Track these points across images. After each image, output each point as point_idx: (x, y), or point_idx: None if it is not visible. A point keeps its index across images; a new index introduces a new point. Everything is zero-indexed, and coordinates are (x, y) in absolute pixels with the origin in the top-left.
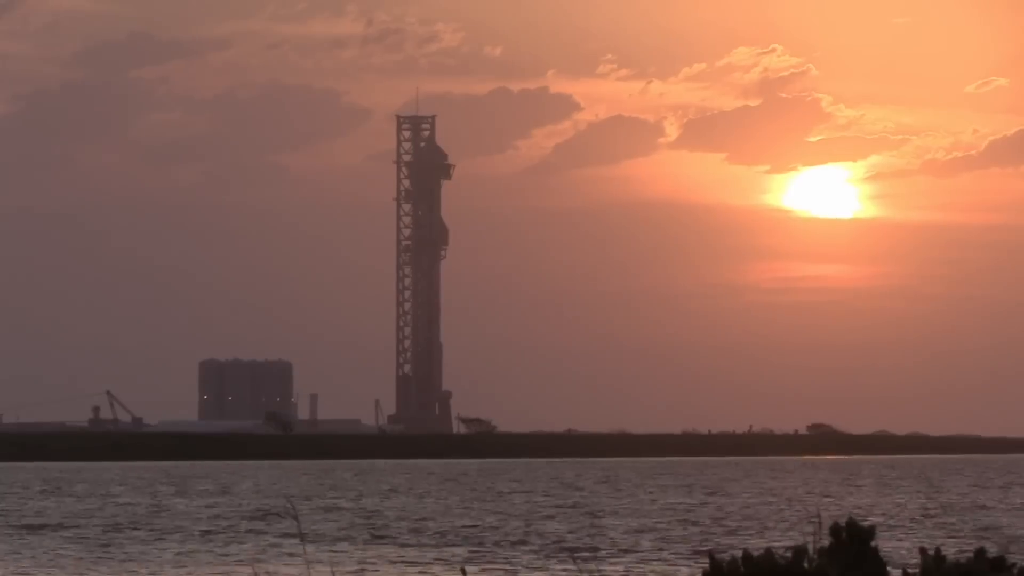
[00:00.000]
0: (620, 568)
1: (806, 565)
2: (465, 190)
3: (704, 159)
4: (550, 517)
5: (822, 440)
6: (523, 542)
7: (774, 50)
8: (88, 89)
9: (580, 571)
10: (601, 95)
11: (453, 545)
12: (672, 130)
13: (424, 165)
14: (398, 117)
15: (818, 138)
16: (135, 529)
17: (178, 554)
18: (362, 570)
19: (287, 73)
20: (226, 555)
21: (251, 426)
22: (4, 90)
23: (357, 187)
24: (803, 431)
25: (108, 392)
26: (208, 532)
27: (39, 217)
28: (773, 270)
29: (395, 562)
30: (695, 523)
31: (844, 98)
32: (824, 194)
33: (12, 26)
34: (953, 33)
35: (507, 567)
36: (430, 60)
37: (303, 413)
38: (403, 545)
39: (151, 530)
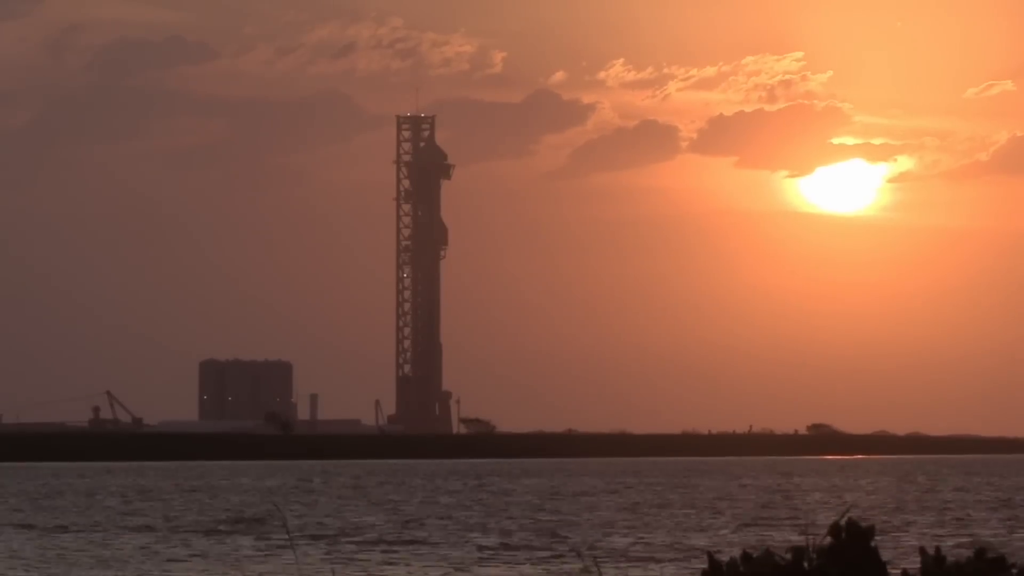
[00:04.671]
0: (621, 568)
1: (806, 565)
2: (469, 193)
3: (714, 163)
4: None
5: (822, 440)
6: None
7: (788, 55)
8: (101, 93)
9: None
10: (611, 99)
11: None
12: (685, 134)
13: (424, 165)
14: (398, 117)
15: (831, 143)
16: (127, 529)
17: (167, 557)
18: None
19: (297, 77)
20: (214, 556)
21: (251, 426)
22: (21, 94)
23: (357, 188)
24: (803, 431)
25: (108, 392)
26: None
27: (40, 218)
28: (776, 272)
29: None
30: None
31: (859, 103)
32: (832, 198)
33: (29, 31)
34: (960, 36)
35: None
36: (442, 65)
37: (303, 413)
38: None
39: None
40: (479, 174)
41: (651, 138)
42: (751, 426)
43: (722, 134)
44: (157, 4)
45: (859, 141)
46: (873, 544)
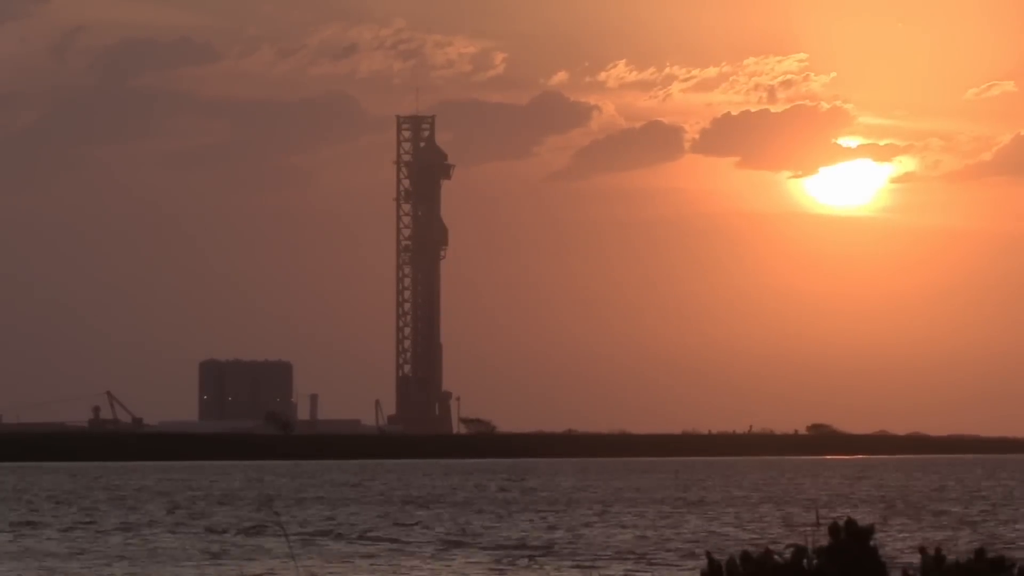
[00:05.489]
0: (620, 568)
1: (805, 565)
2: (469, 193)
3: (717, 164)
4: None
5: (822, 440)
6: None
7: (792, 56)
8: (104, 94)
9: (582, 571)
10: (613, 100)
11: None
12: (688, 135)
13: (424, 165)
14: (398, 118)
15: (835, 143)
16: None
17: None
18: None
19: (300, 79)
20: (214, 555)
21: (251, 426)
22: (25, 95)
23: (359, 189)
24: (803, 431)
25: (108, 392)
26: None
27: (42, 218)
28: (777, 272)
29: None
30: None
31: (863, 104)
32: (835, 199)
33: (33, 32)
34: (964, 37)
35: (502, 568)
36: (444, 66)
37: (303, 413)
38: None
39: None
40: (480, 175)
41: (653, 139)
42: (751, 426)
43: (725, 135)
44: (160, 5)
45: (863, 142)
46: (872, 543)
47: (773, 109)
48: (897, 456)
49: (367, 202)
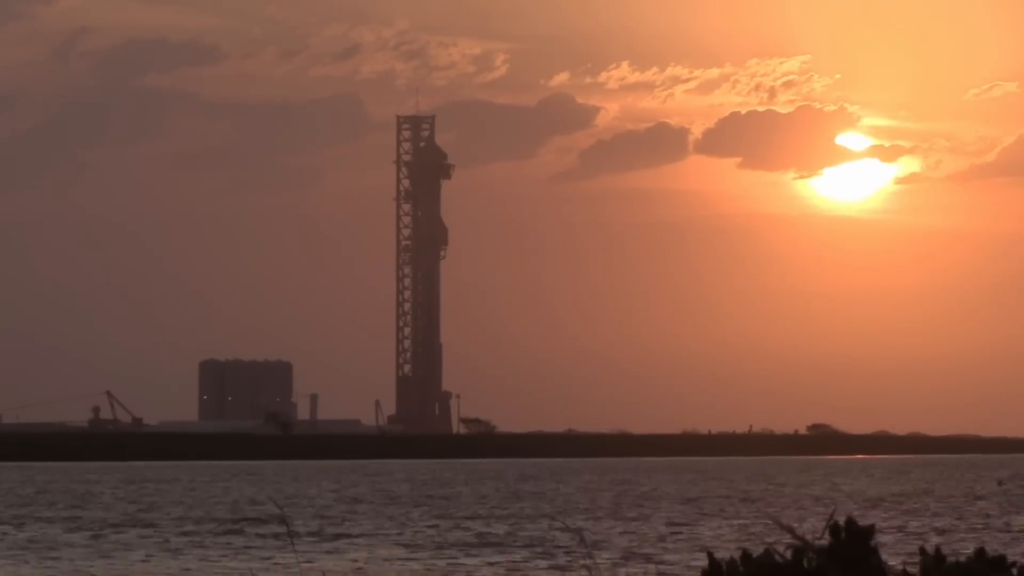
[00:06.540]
0: (619, 567)
1: (805, 565)
2: (469, 193)
3: (719, 165)
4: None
5: (822, 440)
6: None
7: (795, 57)
8: (107, 96)
9: (580, 568)
10: (615, 101)
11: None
12: (691, 136)
13: (424, 165)
14: (398, 117)
15: (838, 144)
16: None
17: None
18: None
19: (303, 80)
20: (217, 555)
21: (251, 426)
22: (28, 96)
23: (361, 189)
24: (803, 431)
25: (108, 392)
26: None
27: (43, 218)
28: (777, 272)
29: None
30: None
31: (867, 105)
32: (838, 199)
33: (36, 33)
34: (967, 38)
35: (505, 564)
36: (447, 67)
37: (303, 413)
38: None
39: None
40: (483, 175)
41: (655, 140)
42: (751, 426)
43: (730, 135)
44: (164, 7)
45: (867, 142)
46: (873, 543)
47: (777, 110)
48: (897, 456)
49: (367, 202)
